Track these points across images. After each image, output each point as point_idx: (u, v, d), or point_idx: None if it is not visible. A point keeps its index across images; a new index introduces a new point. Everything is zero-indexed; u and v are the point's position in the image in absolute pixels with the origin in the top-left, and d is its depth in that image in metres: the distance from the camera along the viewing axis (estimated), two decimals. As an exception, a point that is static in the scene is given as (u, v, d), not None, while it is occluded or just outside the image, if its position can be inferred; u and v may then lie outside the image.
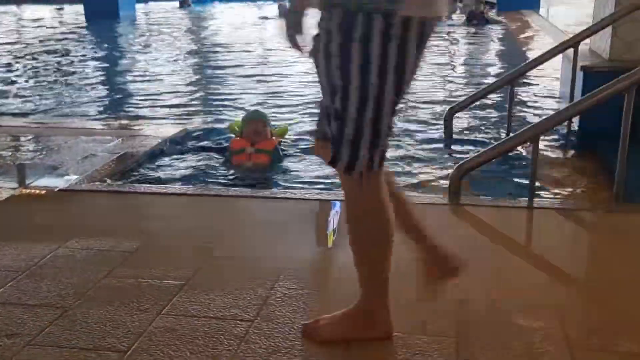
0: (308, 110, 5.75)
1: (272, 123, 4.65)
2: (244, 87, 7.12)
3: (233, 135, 4.44)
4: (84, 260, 2.57)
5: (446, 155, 4.44)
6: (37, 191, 3.49)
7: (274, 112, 5.57)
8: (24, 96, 6.94)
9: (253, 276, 2.40)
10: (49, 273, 2.46)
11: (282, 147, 4.44)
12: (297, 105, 6.09)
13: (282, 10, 15.33)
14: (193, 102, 6.49)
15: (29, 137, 4.64)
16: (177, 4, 19.53)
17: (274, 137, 4.39)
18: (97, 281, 2.39)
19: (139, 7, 17.92)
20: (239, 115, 5.60)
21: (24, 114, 5.99)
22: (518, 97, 5.75)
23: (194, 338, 2.01)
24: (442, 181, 3.81)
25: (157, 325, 2.09)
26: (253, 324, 2.09)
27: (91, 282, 2.38)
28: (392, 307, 1.98)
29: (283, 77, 7.69)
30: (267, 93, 6.77)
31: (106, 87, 7.61)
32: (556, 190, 3.73)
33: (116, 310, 2.18)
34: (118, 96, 6.99)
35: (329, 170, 4.08)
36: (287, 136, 4.61)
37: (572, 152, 4.50)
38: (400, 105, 1.81)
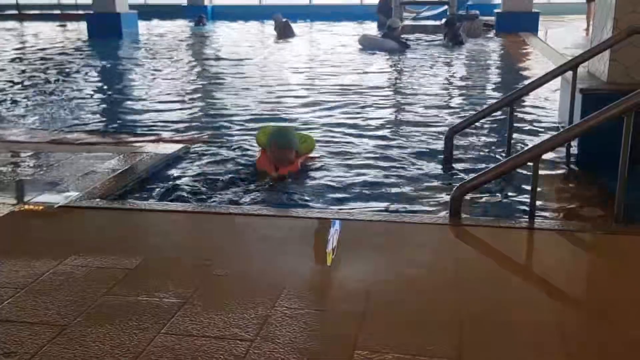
0: (310, 127, 5.78)
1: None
2: (247, 105, 7.14)
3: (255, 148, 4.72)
4: (83, 278, 2.56)
5: (447, 175, 4.44)
6: (37, 207, 3.48)
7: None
8: (25, 112, 6.96)
9: (253, 295, 2.40)
10: (47, 290, 2.45)
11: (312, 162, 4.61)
12: (298, 121, 6.10)
13: (277, 20, 15.31)
14: (194, 120, 6.50)
15: (30, 153, 4.65)
16: (183, 22, 19.84)
17: (299, 160, 4.48)
18: (96, 299, 2.38)
19: (146, 24, 18.07)
20: (235, 131, 5.65)
21: (25, 130, 6.00)
22: (518, 118, 5.77)
23: (194, 358, 2.00)
24: (442, 201, 3.81)
25: (156, 345, 2.08)
26: (253, 343, 2.08)
27: (90, 299, 2.37)
28: (394, 329, 1.98)
29: (286, 95, 7.72)
30: (270, 110, 6.79)
31: (107, 104, 7.63)
32: (556, 211, 3.73)
33: (115, 329, 2.17)
34: (119, 113, 7.01)
35: (332, 187, 4.10)
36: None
37: (571, 173, 4.50)
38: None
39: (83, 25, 16.54)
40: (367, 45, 12.37)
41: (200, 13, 19.85)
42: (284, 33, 15.03)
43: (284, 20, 15.36)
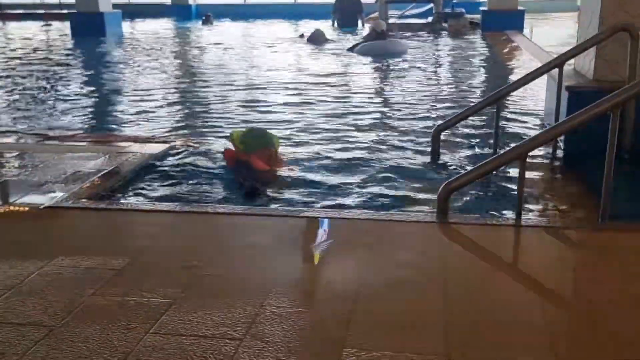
0: (291, 128, 5.78)
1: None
2: (231, 105, 7.12)
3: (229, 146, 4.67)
4: (70, 278, 2.54)
5: (433, 174, 4.45)
6: (23, 208, 3.45)
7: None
8: (9, 113, 6.90)
9: (242, 294, 2.39)
10: (35, 291, 2.43)
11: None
12: (282, 122, 6.10)
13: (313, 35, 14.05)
14: (180, 120, 6.48)
15: (14, 154, 4.61)
16: (167, 20, 19.80)
17: (282, 156, 4.63)
18: (84, 299, 2.36)
19: (131, 23, 17.96)
20: (222, 130, 5.62)
21: (9, 131, 5.95)
22: (504, 115, 5.80)
23: (183, 357, 1.99)
24: (429, 199, 3.82)
25: (145, 345, 2.07)
26: (242, 342, 2.07)
27: (78, 300, 2.36)
28: (383, 327, 1.98)
29: (270, 95, 7.71)
30: (254, 111, 6.78)
31: (92, 104, 7.58)
32: (543, 209, 3.75)
33: (103, 329, 2.16)
34: (104, 113, 6.97)
35: (319, 186, 4.10)
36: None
37: (558, 170, 4.53)
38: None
39: (67, 25, 16.42)
40: (369, 52, 11.46)
41: (208, 12, 19.78)
42: (320, 40, 13.87)
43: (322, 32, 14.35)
